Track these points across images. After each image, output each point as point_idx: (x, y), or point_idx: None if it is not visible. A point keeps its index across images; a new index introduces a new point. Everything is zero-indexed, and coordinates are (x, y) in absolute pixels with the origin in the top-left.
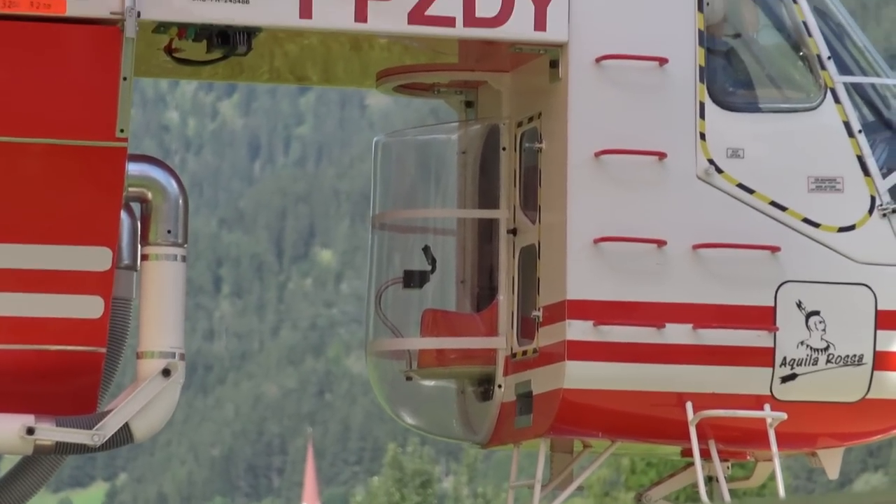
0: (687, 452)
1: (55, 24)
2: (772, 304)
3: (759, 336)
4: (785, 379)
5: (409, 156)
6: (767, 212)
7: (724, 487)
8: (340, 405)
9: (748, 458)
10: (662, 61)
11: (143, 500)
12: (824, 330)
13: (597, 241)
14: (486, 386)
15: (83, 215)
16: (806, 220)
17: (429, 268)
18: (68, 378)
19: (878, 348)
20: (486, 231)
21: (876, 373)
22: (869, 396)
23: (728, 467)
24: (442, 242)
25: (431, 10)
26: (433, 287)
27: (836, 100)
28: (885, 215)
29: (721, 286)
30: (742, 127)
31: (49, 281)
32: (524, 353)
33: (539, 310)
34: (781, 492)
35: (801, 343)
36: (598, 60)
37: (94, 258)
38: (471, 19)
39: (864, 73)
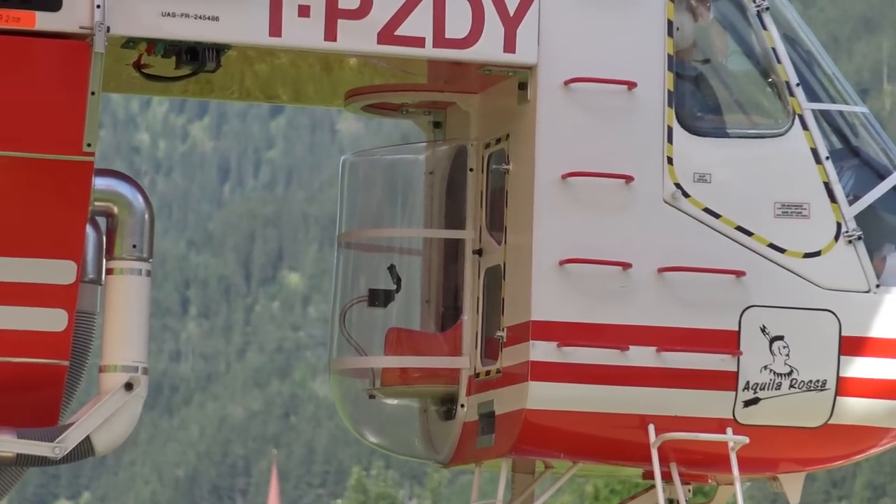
0: (648, 475)
1: (24, 38)
2: (736, 329)
3: (722, 360)
4: (748, 403)
5: (376, 175)
6: (733, 236)
7: None
8: (305, 428)
9: (710, 481)
10: (631, 85)
11: None
12: (788, 355)
13: (562, 262)
14: (448, 405)
15: (48, 228)
16: (772, 246)
17: (394, 287)
18: (30, 390)
19: (841, 374)
20: (452, 251)
21: (839, 398)
22: (831, 422)
23: (689, 491)
24: (407, 262)
25: (401, 31)
26: (398, 306)
27: (805, 126)
28: (850, 242)
29: (686, 310)
30: (709, 152)
31: (13, 293)
32: (487, 373)
33: (503, 330)
34: None
35: (765, 367)
36: (566, 83)
37: (59, 271)
38: (440, 40)
39: (833, 101)
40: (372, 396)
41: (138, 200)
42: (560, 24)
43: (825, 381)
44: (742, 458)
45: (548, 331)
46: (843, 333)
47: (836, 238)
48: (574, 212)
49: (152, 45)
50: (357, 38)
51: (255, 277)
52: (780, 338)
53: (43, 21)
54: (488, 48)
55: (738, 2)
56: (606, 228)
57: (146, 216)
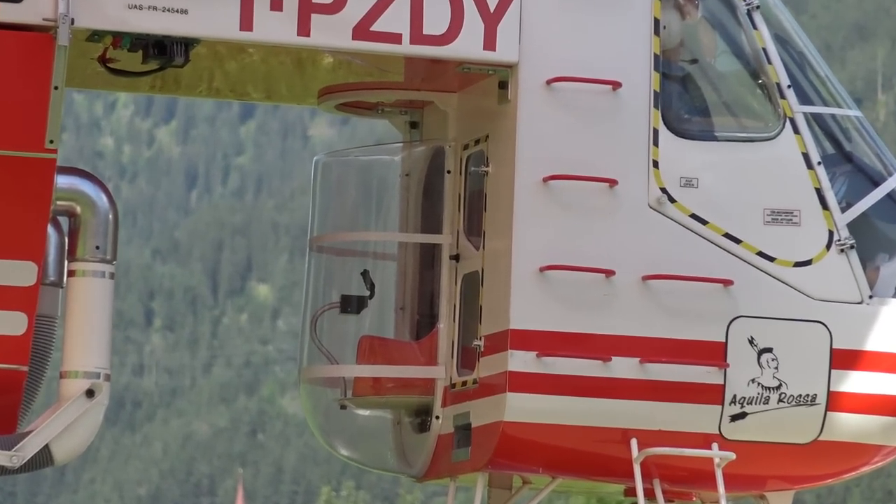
0: (631, 492)
1: None
2: (723, 340)
3: (708, 372)
4: (734, 417)
5: (350, 176)
6: (721, 244)
7: None
8: (273, 446)
9: (694, 498)
10: (616, 85)
11: None
12: (777, 368)
13: (542, 269)
14: (423, 417)
15: (8, 228)
16: (761, 254)
17: (367, 293)
18: None
19: (831, 388)
20: (428, 256)
21: (829, 414)
22: (821, 438)
23: None
24: (382, 267)
25: (377, 26)
26: (371, 313)
27: (796, 130)
28: (842, 251)
29: (671, 319)
30: (697, 155)
31: None
32: (464, 383)
33: (480, 339)
34: None
35: (753, 381)
36: (548, 83)
37: (19, 273)
38: (418, 36)
39: (825, 104)
40: (343, 407)
41: (102, 200)
42: (542, 21)
43: (815, 395)
44: (728, 474)
45: (527, 340)
46: (835, 346)
47: (828, 247)
48: (555, 216)
49: (118, 38)
50: (331, 33)
51: (222, 289)
52: (769, 350)
53: (4, 12)
54: (467, 45)
55: (728, 0)
56: (589, 234)
57: (110, 216)
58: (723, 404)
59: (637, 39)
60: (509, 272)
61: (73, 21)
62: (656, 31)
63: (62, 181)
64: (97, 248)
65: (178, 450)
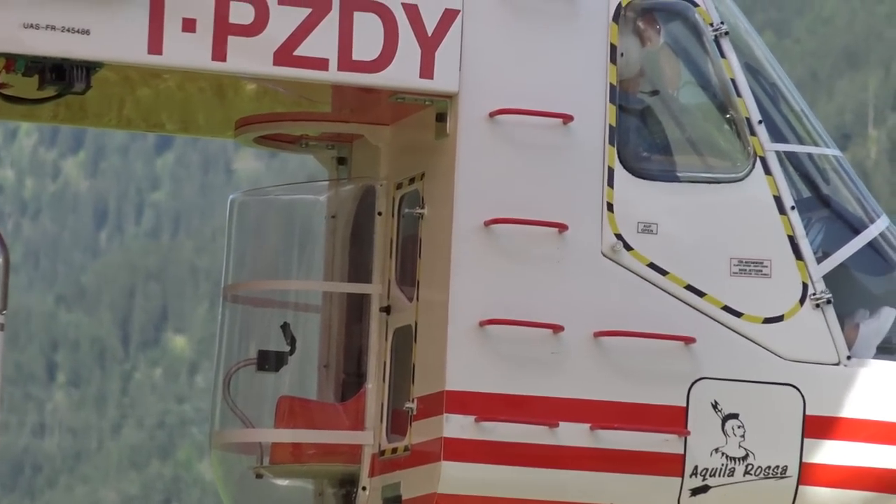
0: None
1: None
2: (683, 404)
3: (667, 440)
4: (696, 491)
5: (269, 218)
6: (682, 297)
7: None
8: None
9: None
10: (567, 119)
11: None
12: (743, 436)
13: (483, 323)
14: (348, 488)
15: None
16: (726, 309)
17: (287, 348)
18: None
19: (804, 459)
20: (356, 308)
21: (801, 488)
22: None
23: None
24: (304, 320)
25: (302, 51)
26: (291, 371)
27: (767, 170)
28: (818, 306)
29: (626, 381)
30: (656, 198)
31: None
32: (394, 450)
33: (413, 401)
34: None
35: (716, 450)
36: (491, 115)
37: None
38: (347, 62)
39: (801, 142)
40: (259, 476)
41: None
42: (486, 47)
43: (786, 467)
44: None
45: (465, 403)
46: (808, 412)
47: (802, 301)
48: (498, 265)
49: (11, 61)
50: (250, 58)
51: (134, 340)
52: (735, 416)
53: None
54: (402, 73)
55: (693, 25)
56: (535, 285)
57: (0, 259)
58: (683, 476)
59: (591, 68)
60: (446, 327)
61: None
62: (613, 59)
63: None
64: None
65: None
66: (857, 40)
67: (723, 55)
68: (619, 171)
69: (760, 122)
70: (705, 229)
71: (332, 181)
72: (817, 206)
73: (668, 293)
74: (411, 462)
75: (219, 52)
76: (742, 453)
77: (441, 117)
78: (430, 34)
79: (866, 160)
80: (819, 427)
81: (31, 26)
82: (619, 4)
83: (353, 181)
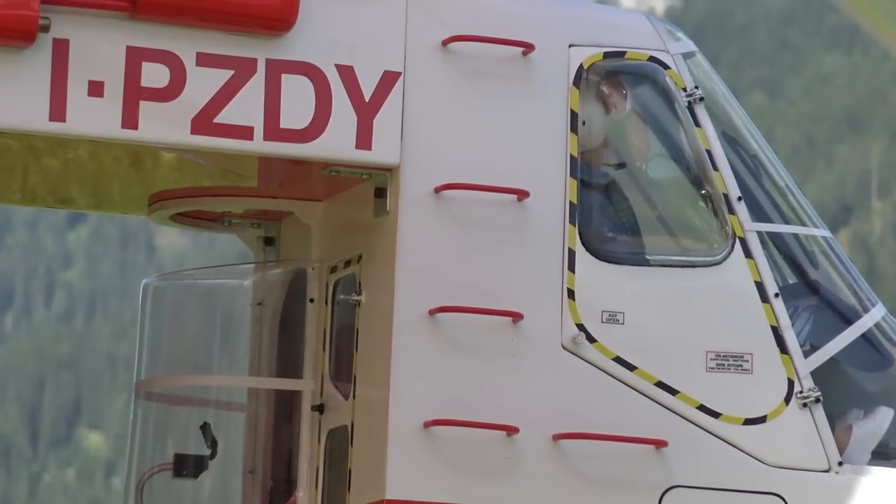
0: None
1: None
2: None
3: None
4: None
5: (187, 305)
6: (652, 395)
7: None
8: None
9: None
10: (522, 195)
11: None
12: None
13: (427, 424)
14: None
15: None
16: (702, 408)
17: (208, 452)
18: None
19: None
20: (285, 406)
21: None
22: None
23: None
24: (227, 419)
25: (223, 118)
26: (213, 477)
27: (748, 253)
28: (805, 405)
29: (589, 490)
30: (623, 284)
31: None
32: None
33: None
34: None
35: None
36: (437, 190)
37: None
38: (274, 131)
39: (786, 221)
40: None
41: None
42: (430, 113)
43: None
44: None
45: None
46: None
47: (788, 400)
48: (444, 358)
49: None
50: (165, 125)
51: (43, 437)
52: None
53: None
54: (336, 143)
55: (663, 89)
56: (487, 381)
57: None
58: None
59: (549, 137)
60: (386, 427)
61: None
62: (573, 128)
63: None
64: None
65: None
66: (859, 103)
67: (697, 123)
68: (581, 254)
69: (740, 198)
70: (678, 319)
71: (259, 264)
72: (805, 294)
73: (637, 391)
74: None
75: (129, 119)
76: None
77: (380, 192)
78: (367, 99)
79: (870, 236)
80: None
81: None
82: (581, 66)
83: (282, 264)
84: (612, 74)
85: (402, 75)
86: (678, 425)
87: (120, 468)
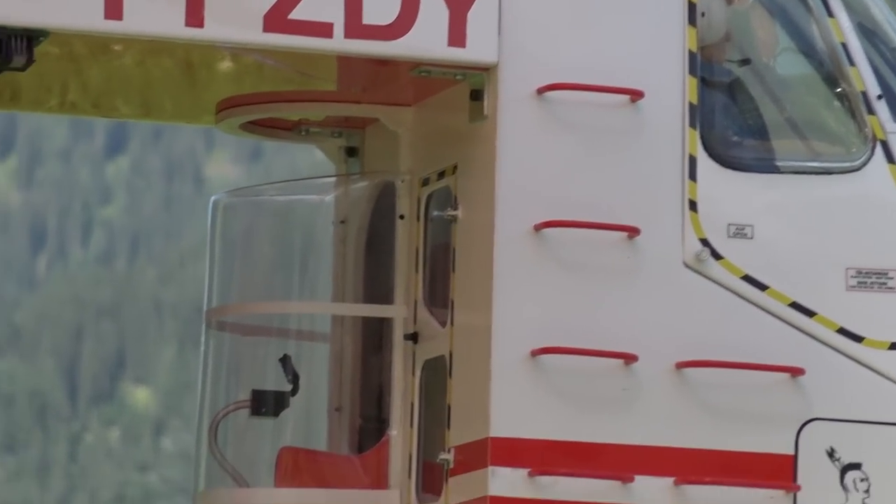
0: None
1: None
2: (791, 452)
3: (771, 498)
4: None
5: (262, 224)
6: (786, 318)
7: None
8: None
9: None
10: (635, 95)
11: None
12: (867, 491)
13: (535, 353)
14: None
15: None
16: (843, 332)
17: (288, 387)
18: None
19: None
20: (374, 336)
21: None
22: None
23: None
24: (309, 351)
25: (298, 13)
26: (294, 415)
27: (890, 158)
28: None
29: (717, 423)
30: (751, 193)
31: None
32: None
33: (449, 451)
34: None
35: None
36: (540, 91)
37: None
38: (355, 27)
39: None
40: None
41: None
42: (531, 5)
43: None
44: None
45: (515, 453)
46: None
47: None
48: (552, 279)
49: None
50: (234, 23)
51: (83, 394)
52: (856, 466)
53: None
54: (425, 40)
55: None
56: (600, 305)
57: None
58: None
59: (665, 31)
60: (489, 358)
61: None
62: (692, 20)
63: None
64: None
65: None
66: None
67: (830, 14)
68: (704, 161)
69: (880, 96)
70: (813, 231)
71: (341, 177)
72: None
73: (769, 313)
74: None
75: (194, 17)
76: None
77: (476, 95)
78: None
79: None
80: None
81: None
82: None
83: (367, 177)
84: None
85: None
86: (816, 351)
87: (170, 427)
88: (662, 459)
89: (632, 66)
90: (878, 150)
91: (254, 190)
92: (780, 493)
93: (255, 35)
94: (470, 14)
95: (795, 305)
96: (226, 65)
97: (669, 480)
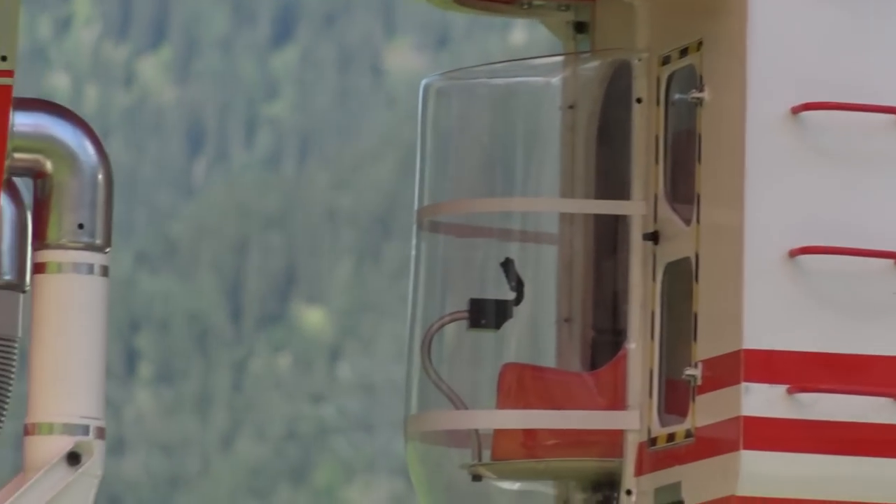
0: None
1: None
2: None
3: None
4: None
5: (480, 111)
6: None
7: None
8: None
9: None
10: None
11: None
12: None
13: (794, 253)
14: (605, 492)
15: None
16: None
17: (511, 295)
18: None
19: None
20: (608, 236)
21: None
22: None
23: None
24: (534, 254)
25: None
26: (518, 327)
27: None
28: None
29: None
30: None
31: None
32: (671, 437)
33: (696, 366)
34: None
35: None
36: None
37: None
38: None
39: None
40: (477, 478)
41: (87, 152)
42: None
43: None
44: None
45: (771, 367)
46: None
47: None
48: (812, 169)
49: None
50: None
51: (248, 316)
52: None
53: None
54: None
55: None
56: (867, 197)
57: (100, 178)
58: None
59: None
60: (741, 260)
61: None
62: None
63: (23, 120)
64: (81, 226)
65: None
66: None
67: None
68: None
69: None
70: None
71: (569, 57)
72: None
73: None
74: (696, 453)
75: None
76: None
77: None
78: None
79: None
80: None
81: None
82: None
83: (599, 56)
84: None
85: None
86: None
87: (347, 352)
88: None
89: None
90: None
91: (469, 72)
92: None
93: None
94: None
95: None
96: None
97: None
